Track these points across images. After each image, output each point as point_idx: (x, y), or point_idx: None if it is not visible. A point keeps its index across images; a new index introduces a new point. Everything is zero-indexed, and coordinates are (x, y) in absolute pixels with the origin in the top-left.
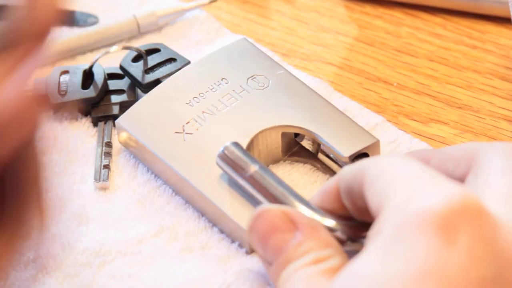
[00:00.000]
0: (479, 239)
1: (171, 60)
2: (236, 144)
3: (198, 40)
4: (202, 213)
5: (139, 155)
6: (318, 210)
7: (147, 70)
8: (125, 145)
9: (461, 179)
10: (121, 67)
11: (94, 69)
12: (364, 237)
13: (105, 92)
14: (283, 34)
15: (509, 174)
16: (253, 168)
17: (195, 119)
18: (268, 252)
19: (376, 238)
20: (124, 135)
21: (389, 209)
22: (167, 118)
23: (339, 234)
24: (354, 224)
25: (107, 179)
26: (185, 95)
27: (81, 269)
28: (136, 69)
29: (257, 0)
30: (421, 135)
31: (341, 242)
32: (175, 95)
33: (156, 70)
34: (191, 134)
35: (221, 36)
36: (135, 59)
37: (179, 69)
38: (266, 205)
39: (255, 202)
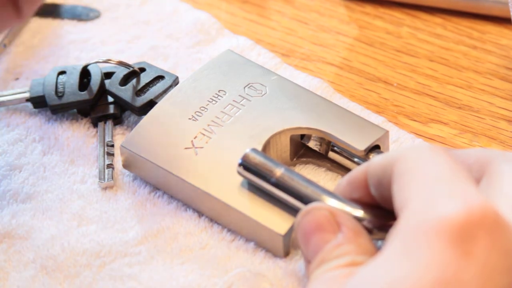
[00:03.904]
0: (495, 251)
1: (159, 78)
2: (255, 151)
3: (198, 40)
4: (225, 225)
5: (149, 177)
6: (348, 202)
7: (138, 92)
8: (131, 169)
9: None
10: (109, 92)
11: (91, 69)
12: (391, 226)
13: (102, 92)
14: (283, 34)
15: None
16: (279, 171)
17: (202, 133)
18: (309, 250)
19: (393, 241)
20: (130, 158)
21: (408, 212)
22: (173, 136)
23: (366, 224)
24: (382, 213)
25: (112, 178)
26: (186, 111)
27: (81, 270)
28: (126, 93)
29: (257, 0)
30: (421, 135)
31: (369, 231)
32: (176, 112)
33: (146, 90)
34: (202, 148)
35: (221, 36)
36: (122, 82)
37: (170, 86)
38: (316, 203)
39: (282, 205)
